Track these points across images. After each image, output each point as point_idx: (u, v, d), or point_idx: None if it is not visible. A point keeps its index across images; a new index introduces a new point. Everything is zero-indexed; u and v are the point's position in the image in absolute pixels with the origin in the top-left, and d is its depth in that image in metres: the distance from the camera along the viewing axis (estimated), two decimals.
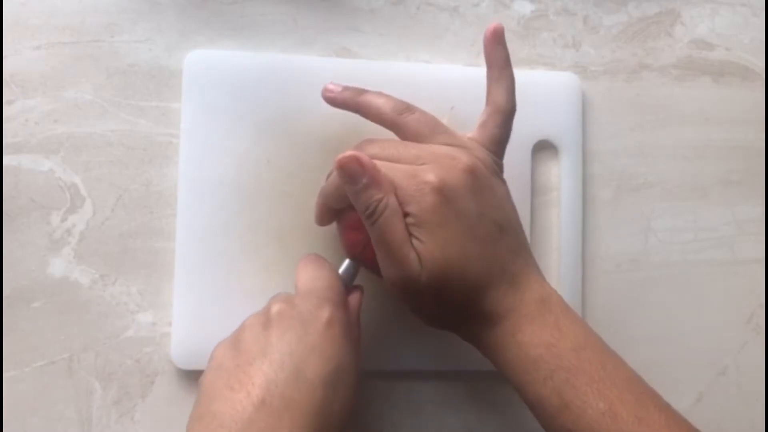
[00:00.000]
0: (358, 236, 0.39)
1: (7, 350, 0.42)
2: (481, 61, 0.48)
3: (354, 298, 0.40)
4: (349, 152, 0.35)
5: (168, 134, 0.44)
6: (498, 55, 0.40)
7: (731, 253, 0.50)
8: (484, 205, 0.37)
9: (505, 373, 0.36)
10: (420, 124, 0.38)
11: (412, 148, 0.37)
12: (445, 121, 0.40)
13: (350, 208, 0.38)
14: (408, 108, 0.39)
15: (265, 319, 0.36)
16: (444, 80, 0.47)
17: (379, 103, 0.39)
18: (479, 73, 0.48)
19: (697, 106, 0.51)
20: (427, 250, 0.35)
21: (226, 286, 0.43)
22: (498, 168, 0.39)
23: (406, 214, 0.35)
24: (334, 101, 0.40)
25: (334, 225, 0.44)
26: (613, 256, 0.49)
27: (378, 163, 0.36)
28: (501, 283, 0.36)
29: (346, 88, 0.40)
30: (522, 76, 0.48)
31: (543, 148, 0.48)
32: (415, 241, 0.35)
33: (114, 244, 0.43)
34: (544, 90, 0.48)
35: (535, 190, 0.47)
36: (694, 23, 0.51)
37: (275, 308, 0.36)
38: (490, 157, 0.39)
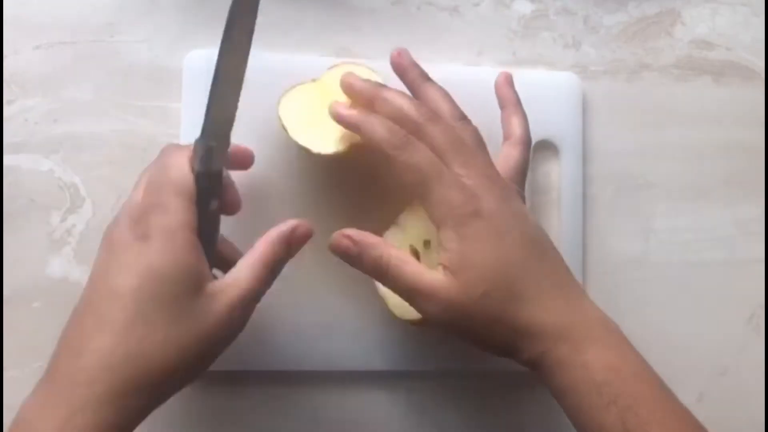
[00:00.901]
0: None
1: (7, 350, 0.42)
2: (481, 60, 0.49)
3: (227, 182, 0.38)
4: (337, 233, 0.36)
5: (168, 134, 0.44)
6: (511, 95, 0.43)
7: (731, 253, 0.50)
8: (523, 225, 0.37)
9: (563, 395, 0.35)
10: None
11: (463, 156, 0.37)
12: None
13: None
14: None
15: (103, 240, 0.35)
16: (444, 80, 0.46)
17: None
18: (479, 72, 0.48)
19: (697, 106, 0.51)
20: (459, 257, 0.35)
21: None
22: (523, 199, 0.40)
23: (439, 226, 0.35)
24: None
25: (336, 225, 0.44)
26: (613, 256, 0.49)
27: (425, 160, 0.35)
28: (556, 297, 0.36)
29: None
30: (522, 76, 0.48)
31: (543, 148, 0.48)
32: (444, 254, 0.35)
33: None
34: (544, 90, 0.48)
35: (535, 190, 0.47)
36: (694, 23, 0.51)
37: (106, 232, 0.35)
38: (516, 188, 0.39)
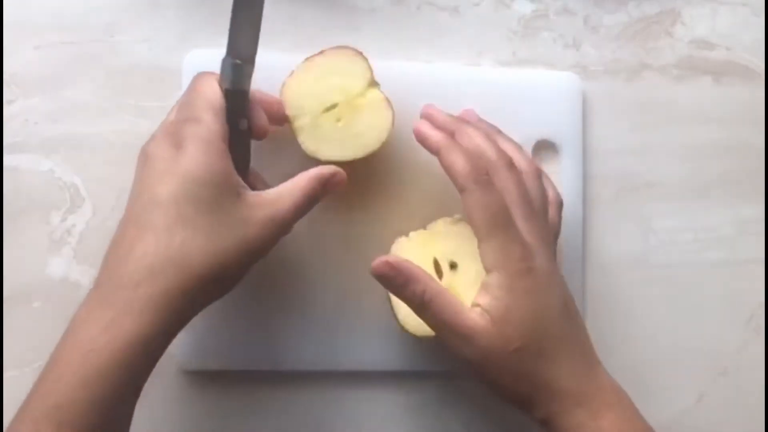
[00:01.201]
0: None
1: (7, 350, 0.42)
2: (481, 60, 0.48)
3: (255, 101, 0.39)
4: (379, 259, 0.36)
5: None
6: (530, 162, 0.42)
7: (731, 253, 0.50)
8: (562, 288, 0.38)
9: None
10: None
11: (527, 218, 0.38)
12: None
13: None
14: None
15: (141, 154, 0.37)
16: (444, 80, 0.47)
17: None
18: (479, 72, 0.48)
19: (697, 106, 0.51)
20: (505, 307, 0.36)
21: None
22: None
23: (490, 270, 0.36)
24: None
25: (334, 226, 0.44)
26: (613, 256, 0.49)
27: (498, 204, 0.36)
28: (579, 361, 0.37)
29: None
30: (522, 76, 0.48)
31: (543, 147, 0.48)
32: (489, 299, 0.36)
33: None
34: (544, 90, 0.48)
35: None
36: (694, 23, 0.51)
37: (144, 147, 0.37)
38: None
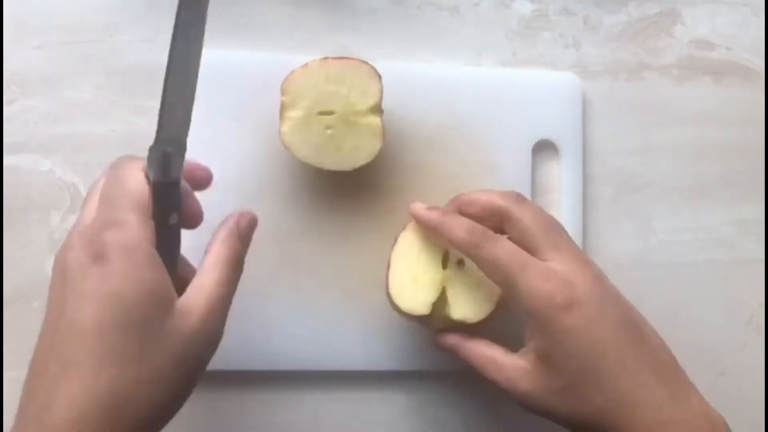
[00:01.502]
0: None
1: (7, 350, 0.42)
2: (481, 60, 0.48)
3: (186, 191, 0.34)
4: (443, 336, 0.40)
5: None
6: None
7: (731, 253, 0.50)
8: (617, 307, 0.36)
9: None
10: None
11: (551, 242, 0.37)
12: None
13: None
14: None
15: (59, 270, 0.30)
16: (444, 80, 0.47)
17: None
18: (479, 72, 0.48)
19: (697, 106, 0.51)
20: (544, 351, 0.35)
21: None
22: None
23: (528, 316, 0.35)
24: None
25: (334, 226, 0.44)
26: (613, 256, 0.49)
27: (505, 253, 0.36)
28: (655, 388, 0.33)
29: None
30: (522, 76, 0.48)
31: (543, 148, 0.48)
32: (531, 344, 0.36)
33: None
34: (544, 90, 0.48)
35: (535, 190, 0.47)
36: (694, 23, 0.51)
37: (55, 262, 0.31)
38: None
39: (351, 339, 0.44)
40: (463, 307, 0.39)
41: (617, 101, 0.50)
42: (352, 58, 0.42)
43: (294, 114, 0.41)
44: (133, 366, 0.29)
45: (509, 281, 0.35)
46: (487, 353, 0.38)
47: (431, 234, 0.40)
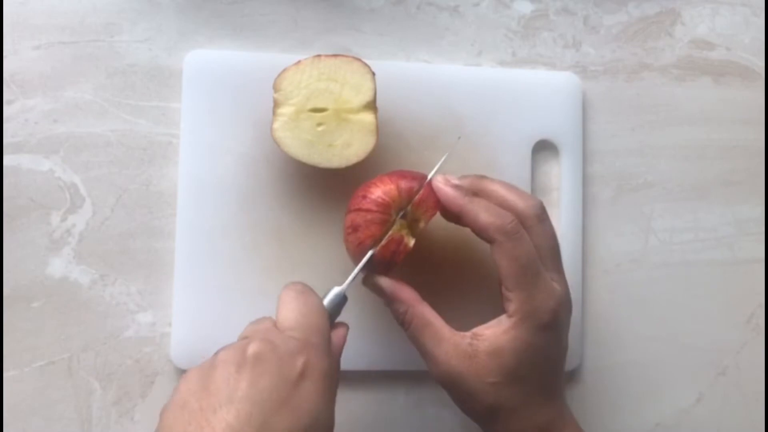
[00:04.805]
0: (360, 237, 0.38)
1: (7, 350, 0.42)
2: (481, 60, 0.48)
3: (338, 336, 0.37)
4: (378, 278, 0.39)
5: (168, 134, 0.44)
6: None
7: (731, 253, 0.50)
8: (566, 328, 0.39)
9: None
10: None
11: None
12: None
13: (349, 211, 0.39)
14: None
15: (240, 359, 0.32)
16: (444, 80, 0.47)
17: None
18: (479, 72, 0.48)
19: (697, 106, 0.51)
20: (506, 347, 0.36)
21: (225, 286, 0.43)
22: None
23: (511, 315, 0.37)
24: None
25: (333, 226, 0.44)
26: (613, 256, 0.49)
27: (530, 255, 0.37)
28: (541, 395, 0.38)
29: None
30: (522, 76, 0.48)
31: (543, 148, 0.48)
32: (490, 333, 0.37)
33: (114, 244, 0.44)
34: (544, 90, 0.48)
35: (535, 190, 0.47)
36: (694, 23, 0.51)
37: (252, 348, 0.33)
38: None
39: (351, 339, 0.44)
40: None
41: (617, 101, 0.50)
42: (345, 55, 0.42)
43: (285, 110, 0.41)
44: None
45: (519, 280, 0.37)
46: (429, 317, 0.38)
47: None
